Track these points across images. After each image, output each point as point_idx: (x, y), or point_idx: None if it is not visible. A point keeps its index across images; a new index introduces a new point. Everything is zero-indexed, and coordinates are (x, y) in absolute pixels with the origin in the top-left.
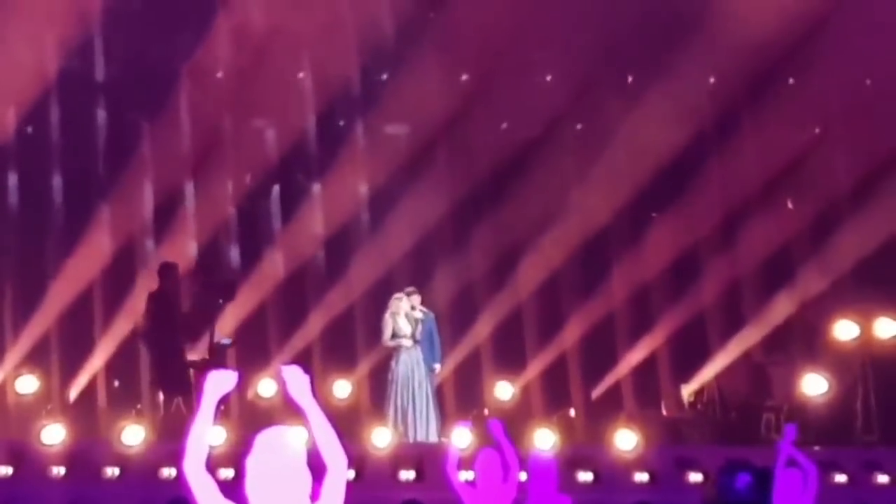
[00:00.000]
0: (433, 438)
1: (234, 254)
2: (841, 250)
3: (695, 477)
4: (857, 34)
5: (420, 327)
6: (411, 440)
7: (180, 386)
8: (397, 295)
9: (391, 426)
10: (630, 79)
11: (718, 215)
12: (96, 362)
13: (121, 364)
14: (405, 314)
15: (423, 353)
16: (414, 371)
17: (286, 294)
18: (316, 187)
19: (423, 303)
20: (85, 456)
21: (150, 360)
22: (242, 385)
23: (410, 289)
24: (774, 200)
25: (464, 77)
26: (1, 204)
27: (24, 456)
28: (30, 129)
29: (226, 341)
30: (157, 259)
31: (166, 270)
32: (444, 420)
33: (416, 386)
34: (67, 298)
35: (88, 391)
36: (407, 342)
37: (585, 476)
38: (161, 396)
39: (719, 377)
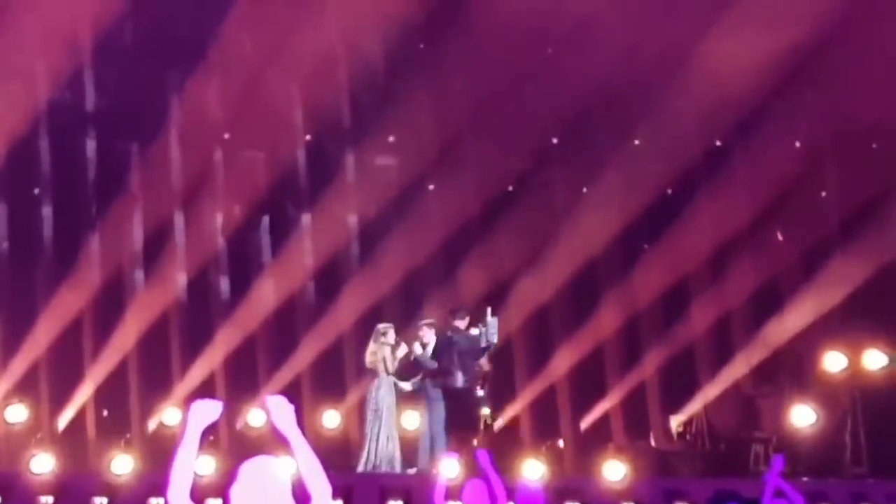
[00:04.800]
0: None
1: (224, 285)
2: (830, 282)
3: None
4: (847, 68)
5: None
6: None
7: (473, 426)
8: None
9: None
10: (620, 111)
11: (708, 247)
12: (85, 392)
13: (110, 394)
14: (390, 347)
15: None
16: (394, 402)
17: (276, 325)
18: (306, 218)
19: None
20: (74, 485)
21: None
22: (232, 415)
23: (426, 321)
24: (764, 232)
25: (455, 109)
26: None
27: (13, 485)
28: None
29: (480, 393)
30: (146, 289)
31: (455, 313)
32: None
33: (393, 417)
34: (57, 328)
35: (78, 421)
36: (383, 373)
37: None
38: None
39: (708, 408)
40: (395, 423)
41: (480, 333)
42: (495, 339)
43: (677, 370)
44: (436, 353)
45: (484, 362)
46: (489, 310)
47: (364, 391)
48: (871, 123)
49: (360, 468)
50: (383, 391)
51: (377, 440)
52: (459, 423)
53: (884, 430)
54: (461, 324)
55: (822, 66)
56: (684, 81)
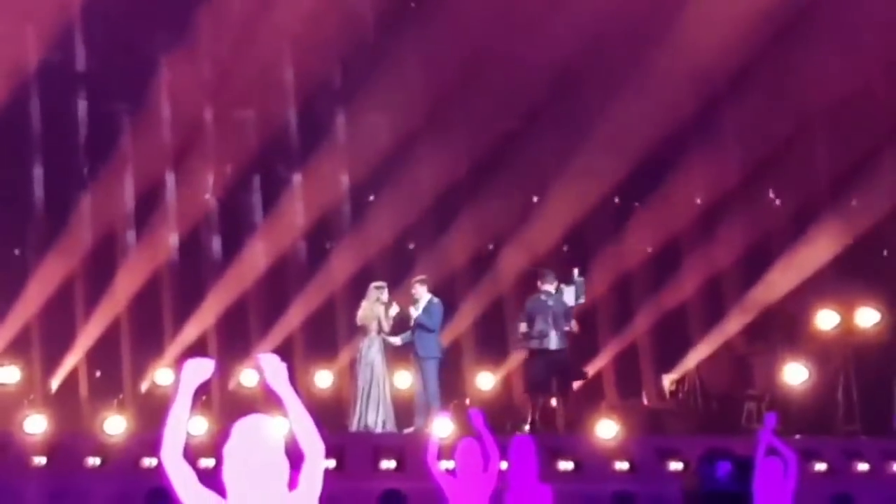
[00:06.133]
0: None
1: (216, 245)
2: (822, 240)
3: (675, 466)
4: (841, 29)
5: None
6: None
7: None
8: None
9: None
10: (610, 69)
11: (700, 205)
12: (78, 353)
13: (102, 354)
14: (384, 306)
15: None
16: (384, 361)
17: (267, 285)
18: (297, 178)
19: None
20: (66, 446)
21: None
22: (224, 375)
23: (418, 278)
24: (756, 191)
25: (445, 69)
26: None
27: (6, 446)
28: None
29: None
30: (137, 250)
31: (544, 277)
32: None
33: (384, 376)
34: (49, 289)
35: (70, 381)
36: (374, 332)
37: (566, 465)
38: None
39: (700, 367)
40: (388, 384)
41: (560, 291)
42: (583, 299)
43: (669, 329)
44: (530, 317)
45: (574, 323)
46: (576, 270)
47: (355, 350)
48: (862, 83)
49: (353, 428)
50: (374, 350)
51: (368, 401)
52: (554, 383)
53: (876, 388)
54: (550, 287)
55: (812, 25)
56: (675, 39)
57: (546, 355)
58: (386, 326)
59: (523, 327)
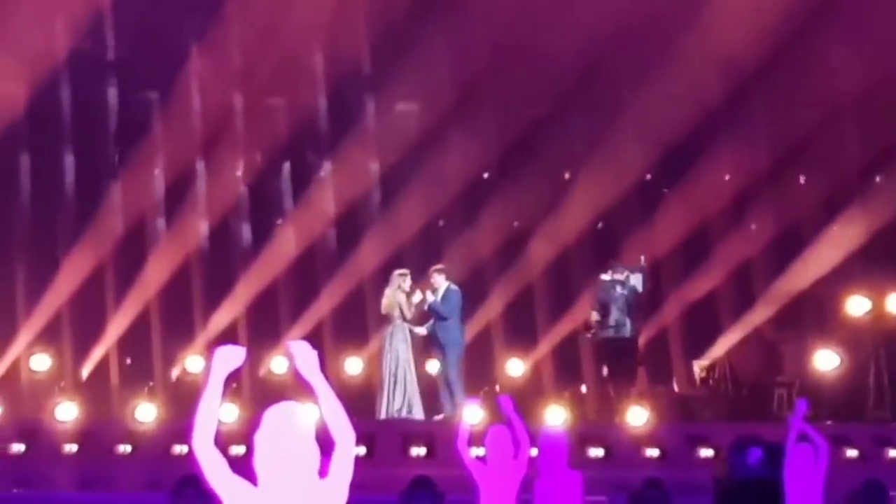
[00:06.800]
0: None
1: (246, 232)
2: (853, 226)
3: (706, 453)
4: (869, 15)
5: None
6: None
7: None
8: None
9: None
10: (639, 55)
11: (730, 191)
12: (109, 340)
13: (133, 342)
14: (406, 294)
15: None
16: (409, 348)
17: (298, 272)
18: (327, 165)
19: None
20: (97, 433)
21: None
22: (254, 362)
23: (436, 267)
24: (786, 176)
25: (474, 56)
26: (13, 183)
27: (38, 433)
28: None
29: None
30: (168, 238)
31: (614, 267)
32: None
33: (409, 363)
34: (80, 277)
35: (101, 369)
36: (398, 319)
37: (596, 452)
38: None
39: (731, 353)
40: (415, 370)
41: (628, 279)
42: (647, 286)
43: (700, 315)
44: (603, 306)
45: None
46: (642, 258)
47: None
48: (891, 68)
49: (382, 415)
50: (399, 338)
51: (395, 388)
52: (627, 372)
53: None
54: (620, 276)
55: (841, 10)
56: (703, 24)
57: (620, 343)
58: (408, 314)
59: (596, 316)
